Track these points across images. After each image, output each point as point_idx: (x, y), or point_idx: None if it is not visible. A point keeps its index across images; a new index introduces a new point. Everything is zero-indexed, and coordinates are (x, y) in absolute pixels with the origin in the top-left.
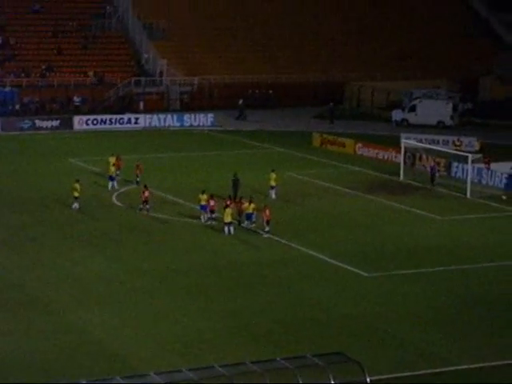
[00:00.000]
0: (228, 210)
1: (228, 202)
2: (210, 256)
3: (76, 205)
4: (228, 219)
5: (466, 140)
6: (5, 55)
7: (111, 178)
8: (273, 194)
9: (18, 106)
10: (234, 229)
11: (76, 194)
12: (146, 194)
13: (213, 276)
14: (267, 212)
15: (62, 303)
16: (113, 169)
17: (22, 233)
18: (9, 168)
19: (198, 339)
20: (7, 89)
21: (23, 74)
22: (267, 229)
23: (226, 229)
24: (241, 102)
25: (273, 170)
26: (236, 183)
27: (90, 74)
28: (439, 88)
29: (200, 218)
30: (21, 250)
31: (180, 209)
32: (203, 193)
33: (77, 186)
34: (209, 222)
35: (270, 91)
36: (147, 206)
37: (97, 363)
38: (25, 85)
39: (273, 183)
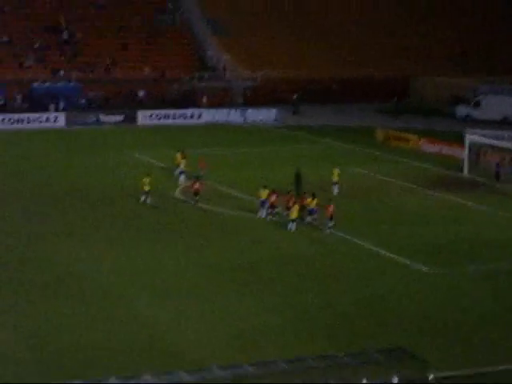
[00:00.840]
0: (295, 207)
1: (290, 199)
2: (273, 251)
3: (145, 198)
4: (294, 215)
5: None
6: (70, 50)
7: (181, 172)
8: (335, 190)
9: (82, 101)
10: (296, 225)
11: (146, 188)
12: (196, 185)
13: (275, 271)
14: (331, 208)
15: (126, 297)
16: (183, 162)
17: (89, 225)
18: (74, 162)
19: (260, 334)
20: (72, 83)
21: (88, 69)
22: (330, 224)
23: (290, 225)
24: (295, 96)
25: (336, 166)
26: (299, 178)
27: (146, 69)
28: (503, 83)
29: (258, 213)
30: (89, 242)
31: (242, 203)
32: (265, 188)
33: (146, 180)
34: (269, 217)
35: (334, 86)
36: (196, 198)
37: (159, 357)
38: (89, 80)
39: (335, 178)
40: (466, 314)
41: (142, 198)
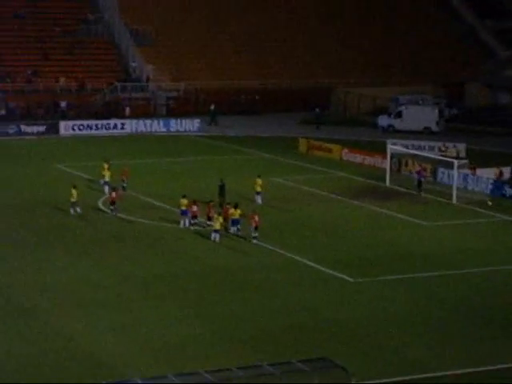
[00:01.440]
0: (218, 217)
1: (211, 209)
2: (195, 262)
3: (73, 209)
4: (217, 226)
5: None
6: None
7: (105, 183)
8: (259, 200)
9: (3, 111)
10: (220, 236)
11: (73, 200)
12: (113, 195)
13: (198, 282)
14: (256, 218)
15: (48, 309)
16: (107, 174)
17: (6, 238)
18: None
19: (183, 345)
20: None
21: (9, 79)
22: (255, 235)
23: (213, 235)
24: (212, 107)
25: (259, 176)
26: (222, 189)
27: (68, 80)
28: (424, 94)
29: (179, 223)
30: (5, 255)
31: (165, 214)
32: (184, 197)
33: (74, 191)
34: (190, 227)
35: (257, 97)
36: (112, 207)
37: (82, 369)
38: (10, 90)
39: (258, 189)
40: (388, 321)
41: (72, 210)
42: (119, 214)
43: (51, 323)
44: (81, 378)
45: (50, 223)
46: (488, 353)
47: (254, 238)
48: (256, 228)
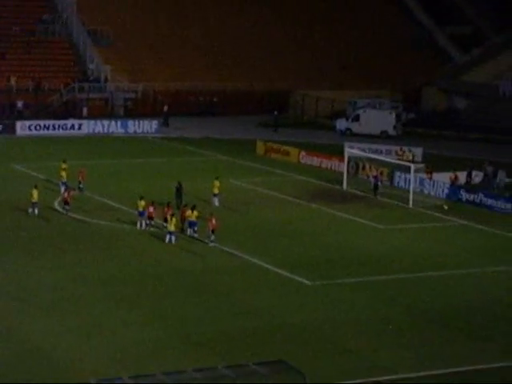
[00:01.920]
0: (174, 219)
1: (168, 211)
2: (151, 264)
3: (32, 210)
4: (171, 228)
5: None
6: None
7: (62, 183)
8: (216, 202)
9: None
10: (176, 238)
11: (33, 200)
12: (66, 195)
13: (154, 284)
14: (213, 221)
15: (3, 311)
16: (64, 174)
17: None
18: None
19: (139, 348)
20: None
21: None
22: (213, 237)
23: (168, 237)
24: (166, 108)
25: (216, 178)
26: (179, 190)
27: (12, 79)
28: (381, 98)
29: (136, 224)
30: None
31: (122, 215)
32: (141, 199)
33: (34, 191)
34: (147, 229)
35: (215, 99)
36: (67, 207)
37: (38, 371)
38: None
39: (216, 191)
40: (346, 324)
41: (30, 210)
42: (73, 215)
43: (6, 324)
44: (37, 379)
45: (6, 224)
46: (447, 355)
47: (212, 241)
48: (213, 231)
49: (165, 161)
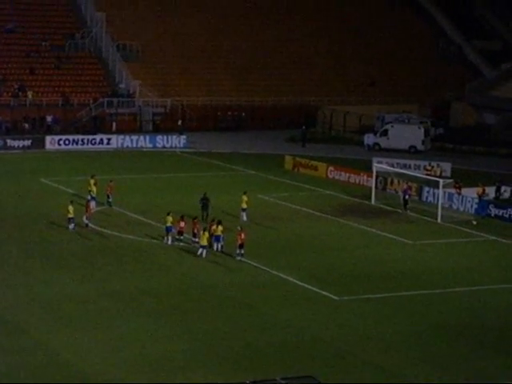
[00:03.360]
0: (205, 233)
1: (195, 225)
2: (180, 278)
3: (72, 226)
4: (204, 242)
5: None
6: None
7: (92, 198)
8: (244, 217)
9: None
10: (208, 252)
11: (70, 215)
12: (88, 209)
13: (183, 298)
14: (242, 235)
15: (31, 324)
16: (94, 189)
17: None
18: None
19: (166, 361)
20: None
21: None
22: (241, 252)
23: (200, 251)
24: (180, 122)
25: (245, 193)
26: (206, 203)
27: (55, 94)
28: (410, 113)
29: (164, 239)
30: None
31: (150, 230)
32: (168, 214)
33: (71, 207)
34: (175, 243)
35: (243, 113)
36: (87, 221)
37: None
38: None
39: (244, 206)
40: (373, 339)
41: (71, 226)
42: (102, 229)
43: (36, 337)
44: None
45: (36, 237)
46: (476, 372)
47: (239, 254)
48: (241, 245)
49: (193, 176)
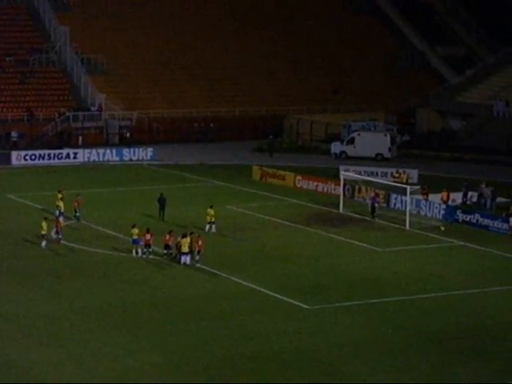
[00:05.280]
0: (185, 240)
1: (170, 238)
2: (150, 291)
3: (44, 242)
4: (186, 249)
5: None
6: None
7: (60, 213)
8: (213, 229)
9: None
10: (190, 259)
11: (43, 232)
12: (57, 224)
13: (153, 311)
14: (199, 242)
15: (1, 341)
16: (61, 204)
17: None
18: None
19: (139, 374)
20: None
21: None
22: (197, 258)
23: (183, 258)
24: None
25: (211, 207)
26: (163, 203)
27: (19, 109)
28: (376, 120)
29: (132, 252)
30: None
31: (118, 244)
32: (134, 226)
33: (44, 223)
34: (143, 256)
35: (211, 125)
36: (59, 236)
37: None
38: None
39: (209, 219)
40: (344, 347)
41: (44, 243)
42: (70, 244)
43: (5, 356)
44: None
45: (5, 254)
46: (446, 376)
47: (197, 261)
48: (199, 252)
49: (160, 188)
